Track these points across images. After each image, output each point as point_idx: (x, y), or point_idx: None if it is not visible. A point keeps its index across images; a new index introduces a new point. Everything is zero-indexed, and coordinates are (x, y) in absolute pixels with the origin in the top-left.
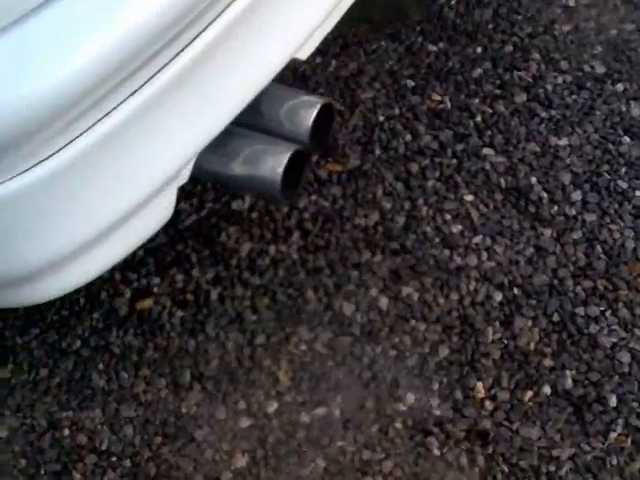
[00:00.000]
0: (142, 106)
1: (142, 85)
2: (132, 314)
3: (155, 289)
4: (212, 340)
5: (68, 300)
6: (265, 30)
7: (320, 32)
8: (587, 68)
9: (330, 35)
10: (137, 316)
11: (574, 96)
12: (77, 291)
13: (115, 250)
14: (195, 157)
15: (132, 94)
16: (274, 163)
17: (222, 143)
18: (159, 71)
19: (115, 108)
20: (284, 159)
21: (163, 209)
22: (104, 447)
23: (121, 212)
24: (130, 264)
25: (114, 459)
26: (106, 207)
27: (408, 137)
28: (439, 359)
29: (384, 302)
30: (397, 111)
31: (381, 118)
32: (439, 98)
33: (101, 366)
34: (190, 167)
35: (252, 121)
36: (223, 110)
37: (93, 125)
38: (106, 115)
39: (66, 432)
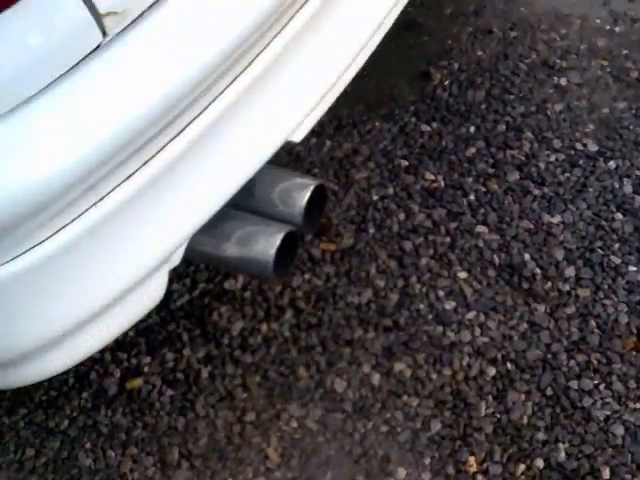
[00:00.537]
0: (134, 193)
1: (133, 172)
2: (121, 393)
3: (145, 368)
4: (202, 418)
5: (57, 380)
6: (259, 114)
7: (314, 114)
8: (579, 146)
9: (325, 116)
10: (126, 395)
11: (567, 174)
12: (66, 372)
13: (104, 333)
14: (187, 240)
15: (123, 181)
16: (266, 245)
17: (215, 225)
18: (151, 158)
19: (106, 195)
20: (276, 241)
21: (154, 292)
22: None
23: (111, 296)
24: (121, 344)
25: None
26: (96, 291)
27: (402, 216)
28: (431, 434)
29: (376, 378)
30: (391, 190)
31: (375, 197)
32: (433, 177)
33: (88, 445)
34: (182, 250)
35: (245, 203)
36: (216, 194)
37: (84, 212)
38: (98, 201)
39: None
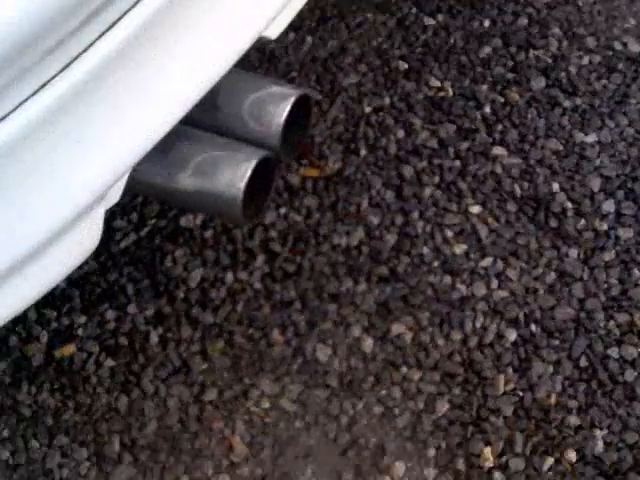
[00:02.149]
0: (51, 105)
1: (50, 79)
2: (49, 364)
3: (79, 331)
4: (149, 397)
5: None
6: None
7: (294, 3)
8: (618, 46)
9: (305, 6)
10: (55, 366)
11: (603, 81)
12: None
13: (23, 292)
14: (129, 170)
15: (36, 92)
16: (234, 176)
17: (167, 149)
18: (75, 58)
19: (12, 111)
20: (247, 171)
21: (85, 241)
22: None
23: (22, 252)
24: (48, 299)
25: None
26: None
27: (400, 133)
28: (436, 417)
29: (369, 344)
30: (387, 100)
31: (367, 109)
32: (439, 84)
33: (6, 432)
34: (122, 184)
35: (206, 120)
36: (167, 107)
37: None
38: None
39: None
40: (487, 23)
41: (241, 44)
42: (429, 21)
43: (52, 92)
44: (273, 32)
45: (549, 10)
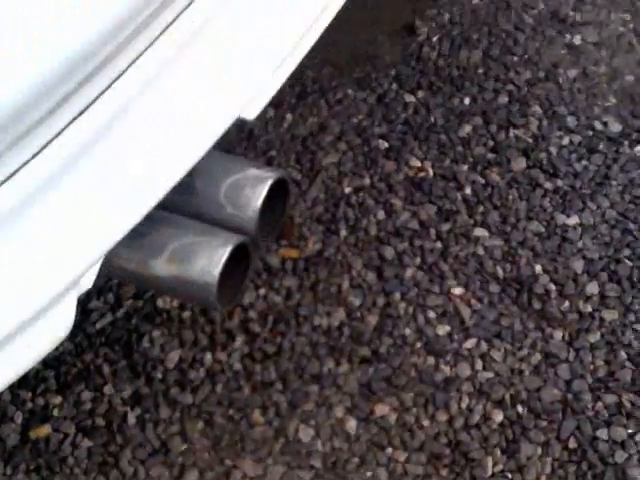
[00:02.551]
0: (22, 194)
1: (20, 167)
2: (24, 444)
3: (55, 412)
4: (128, 478)
5: None
6: (200, 81)
7: (274, 82)
8: (599, 125)
9: (285, 82)
10: (30, 447)
11: (584, 162)
12: None
13: None
14: (102, 258)
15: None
16: (209, 263)
17: (142, 234)
18: (45, 146)
19: None
20: (222, 258)
21: (57, 326)
22: None
23: None
24: (23, 380)
25: None
26: None
27: (381, 214)
28: None
29: (352, 425)
30: (367, 181)
31: (347, 190)
32: (419, 164)
33: None
34: (95, 270)
35: (183, 204)
36: (142, 192)
37: None
38: None
39: None
40: (467, 100)
41: (217, 127)
42: (409, 98)
43: (24, 179)
44: (251, 113)
45: (529, 87)
